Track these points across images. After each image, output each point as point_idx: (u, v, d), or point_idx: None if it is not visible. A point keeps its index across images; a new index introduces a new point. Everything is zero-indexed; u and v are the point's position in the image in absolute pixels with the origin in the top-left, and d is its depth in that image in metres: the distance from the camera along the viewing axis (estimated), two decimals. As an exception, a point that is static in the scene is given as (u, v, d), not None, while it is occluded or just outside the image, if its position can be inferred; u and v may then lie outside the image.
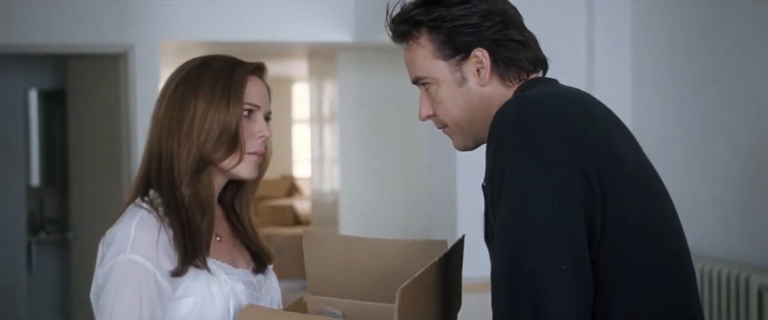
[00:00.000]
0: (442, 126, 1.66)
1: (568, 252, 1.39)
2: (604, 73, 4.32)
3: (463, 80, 1.59)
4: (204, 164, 1.65)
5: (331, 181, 7.59)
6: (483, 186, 1.51)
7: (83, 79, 5.92)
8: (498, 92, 1.59)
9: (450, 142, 1.68)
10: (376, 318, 1.69)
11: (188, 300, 1.62)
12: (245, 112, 1.67)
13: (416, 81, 1.64)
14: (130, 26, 5.46)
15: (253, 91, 1.69)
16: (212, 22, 5.60)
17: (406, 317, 1.40)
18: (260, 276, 1.77)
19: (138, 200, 1.65)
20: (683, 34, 4.02)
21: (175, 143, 1.65)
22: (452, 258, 1.66)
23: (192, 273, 1.62)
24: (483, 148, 1.55)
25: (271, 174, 10.25)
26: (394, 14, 1.64)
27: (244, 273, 1.73)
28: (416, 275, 1.43)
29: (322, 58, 7.64)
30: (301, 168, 11.07)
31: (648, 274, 1.46)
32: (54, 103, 6.93)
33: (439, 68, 1.60)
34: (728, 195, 3.73)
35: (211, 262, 1.65)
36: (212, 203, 1.68)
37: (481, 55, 1.58)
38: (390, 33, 1.65)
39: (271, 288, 1.80)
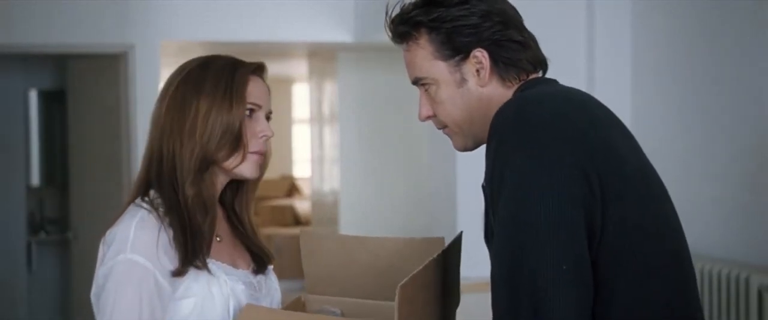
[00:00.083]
0: (442, 126, 1.66)
1: (568, 252, 1.39)
2: (604, 73, 4.32)
3: (462, 81, 1.59)
4: (207, 164, 1.66)
5: (331, 181, 7.59)
6: (483, 187, 1.51)
7: (83, 79, 5.92)
8: (498, 93, 1.59)
9: (450, 142, 1.68)
10: (375, 315, 1.69)
11: (188, 300, 1.62)
12: (247, 112, 1.68)
13: (416, 81, 1.64)
14: (130, 26, 5.46)
15: (254, 90, 1.70)
16: (212, 22, 5.60)
17: (406, 314, 1.40)
18: (260, 277, 1.77)
19: (138, 200, 1.66)
20: (683, 34, 4.02)
21: (178, 143, 1.65)
22: (450, 254, 1.66)
23: (192, 273, 1.62)
24: (483, 148, 1.55)
25: (271, 174, 10.25)
26: (393, 15, 1.64)
27: (244, 273, 1.73)
28: (415, 272, 1.43)
29: (322, 58, 7.64)
30: (301, 168, 11.07)
31: (648, 274, 1.46)
32: (54, 103, 6.93)
33: (438, 69, 1.60)
34: (728, 195, 3.73)
35: (211, 263, 1.65)
36: (215, 203, 1.69)
37: (480, 55, 1.58)
38: (389, 34, 1.65)
39: (271, 288, 1.80)
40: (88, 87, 5.87)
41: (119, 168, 5.58)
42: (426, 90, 1.63)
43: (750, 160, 3.61)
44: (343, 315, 1.73)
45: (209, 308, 1.63)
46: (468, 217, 4.14)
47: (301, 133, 11.02)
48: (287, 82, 11.13)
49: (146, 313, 1.58)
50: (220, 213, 1.75)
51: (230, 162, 1.67)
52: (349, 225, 7.04)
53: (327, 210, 7.74)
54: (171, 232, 1.61)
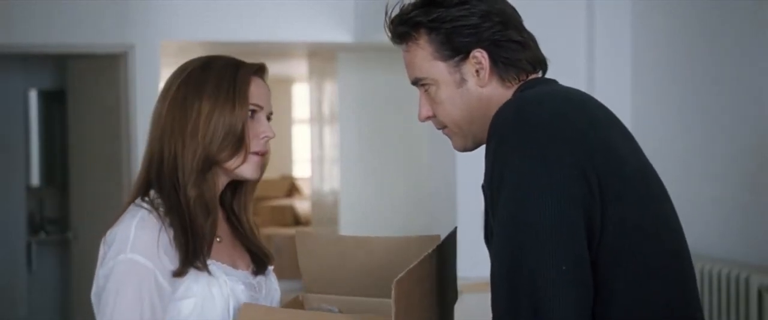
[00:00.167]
0: (442, 127, 1.66)
1: (568, 253, 1.39)
2: (604, 73, 4.32)
3: (462, 81, 1.59)
4: (209, 164, 1.66)
5: (331, 181, 7.59)
6: (483, 187, 1.51)
7: (83, 79, 5.92)
8: (497, 93, 1.59)
9: (450, 142, 1.68)
10: (373, 312, 1.69)
11: (188, 301, 1.62)
12: (249, 113, 1.68)
13: (416, 82, 1.64)
14: (130, 26, 5.46)
15: (256, 91, 1.70)
16: (212, 22, 5.60)
17: (404, 308, 1.40)
18: (260, 278, 1.78)
19: (138, 200, 1.66)
20: (683, 34, 4.02)
21: (179, 144, 1.65)
22: (445, 250, 1.66)
23: (192, 274, 1.62)
24: (483, 148, 1.55)
25: (271, 174, 10.26)
26: (393, 15, 1.64)
27: (244, 274, 1.73)
28: (410, 267, 1.44)
29: (322, 58, 7.64)
30: (301, 169, 11.07)
31: (648, 274, 1.46)
32: (54, 103, 6.93)
33: (438, 69, 1.60)
34: (728, 195, 3.73)
35: (210, 263, 1.65)
36: (216, 204, 1.69)
37: (480, 55, 1.58)
38: (389, 34, 1.65)
39: (271, 289, 1.80)
40: (88, 87, 5.87)
41: (119, 168, 5.58)
42: (426, 90, 1.63)
43: (750, 160, 3.61)
44: (340, 312, 1.74)
45: (209, 308, 1.63)
46: (468, 217, 4.14)
47: (301, 133, 11.02)
48: (287, 82, 11.13)
49: (147, 313, 1.58)
50: (220, 213, 1.75)
51: (232, 163, 1.67)
52: (349, 225, 7.04)
53: (327, 210, 7.74)
54: (171, 232, 1.62)
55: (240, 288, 1.68)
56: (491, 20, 1.58)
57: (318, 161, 8.04)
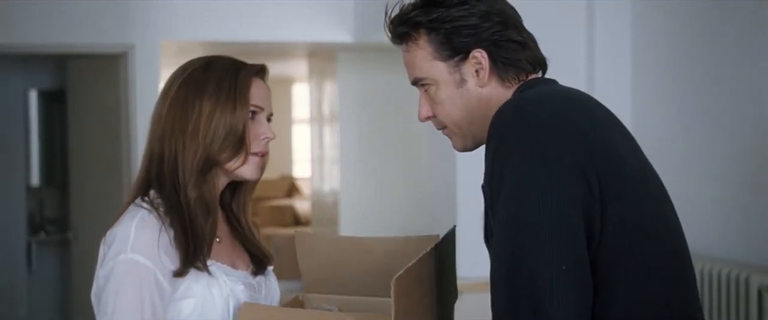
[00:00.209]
0: (442, 127, 1.66)
1: (568, 253, 1.39)
2: (604, 73, 4.32)
3: (462, 81, 1.59)
4: (210, 165, 1.66)
5: (331, 181, 7.59)
6: (482, 187, 1.51)
7: (83, 79, 5.92)
8: (497, 93, 1.59)
9: (450, 142, 1.68)
10: (372, 311, 1.69)
11: (189, 301, 1.62)
12: (250, 114, 1.68)
13: (415, 82, 1.64)
14: (130, 26, 5.47)
15: (257, 92, 1.70)
16: (212, 22, 5.60)
17: (403, 306, 1.40)
18: (260, 278, 1.78)
19: (138, 200, 1.66)
20: (683, 34, 4.02)
21: (180, 144, 1.65)
22: (444, 248, 1.67)
23: (192, 274, 1.62)
24: (483, 148, 1.56)
25: (271, 174, 10.25)
26: (392, 15, 1.64)
27: (244, 274, 1.73)
28: (409, 265, 1.44)
29: (322, 58, 7.64)
30: (301, 168, 11.07)
31: (647, 275, 1.46)
32: (54, 103, 6.93)
33: (438, 69, 1.60)
34: (728, 195, 3.73)
35: (210, 264, 1.65)
36: (216, 205, 1.69)
37: (479, 55, 1.58)
38: (389, 34, 1.65)
39: (270, 289, 1.80)
40: (88, 87, 5.87)
41: (119, 168, 5.58)
42: (425, 90, 1.63)
43: (750, 160, 3.61)
44: (340, 311, 1.74)
45: (209, 309, 1.63)
46: (468, 217, 4.14)
47: (301, 133, 11.02)
48: (287, 82, 11.13)
49: (148, 313, 1.58)
50: (219, 214, 1.75)
51: (232, 164, 1.67)
52: (349, 225, 7.04)
53: (327, 210, 7.74)
54: (172, 232, 1.61)
55: (240, 288, 1.68)
56: (491, 20, 1.58)
57: (318, 161, 8.04)
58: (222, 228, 1.75)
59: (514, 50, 1.59)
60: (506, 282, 1.41)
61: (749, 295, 3.41)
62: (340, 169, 7.29)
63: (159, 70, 5.54)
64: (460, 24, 1.57)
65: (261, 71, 1.74)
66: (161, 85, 1.74)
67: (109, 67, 5.66)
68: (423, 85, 1.63)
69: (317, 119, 8.04)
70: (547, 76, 1.66)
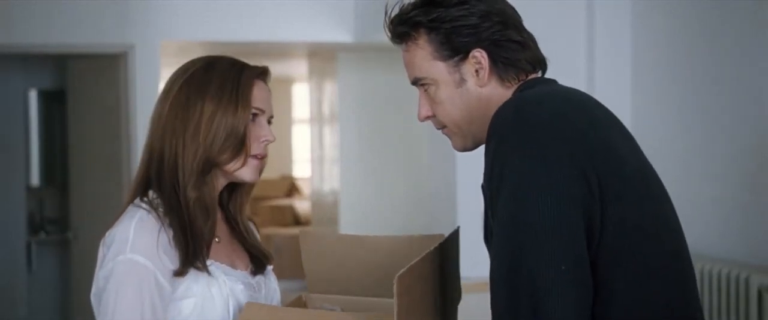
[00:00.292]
0: (441, 127, 1.66)
1: (568, 253, 1.39)
2: (604, 73, 4.32)
3: (461, 81, 1.59)
4: (209, 166, 1.66)
5: (331, 181, 7.59)
6: (482, 187, 1.51)
7: (83, 79, 5.92)
8: (497, 93, 1.59)
9: (450, 142, 1.68)
10: (375, 311, 1.69)
11: (188, 301, 1.62)
12: (251, 116, 1.68)
13: (415, 82, 1.64)
14: (130, 26, 5.46)
15: (259, 95, 1.70)
16: (212, 22, 5.60)
17: (406, 304, 1.40)
18: (260, 277, 1.78)
19: (137, 200, 1.66)
20: (683, 34, 4.02)
21: (180, 144, 1.65)
22: (448, 248, 1.66)
23: (192, 274, 1.62)
24: (483, 148, 1.55)
25: (271, 174, 10.25)
26: (392, 15, 1.64)
27: (243, 274, 1.73)
28: (412, 263, 1.44)
29: (322, 58, 7.64)
30: (301, 168, 11.07)
31: (647, 275, 1.46)
32: (54, 103, 6.93)
33: (437, 69, 1.60)
34: (728, 195, 3.73)
35: (210, 264, 1.65)
36: (215, 205, 1.69)
37: (479, 55, 1.58)
38: (388, 34, 1.65)
39: (270, 288, 1.80)
40: (88, 87, 5.87)
41: (119, 168, 5.58)
42: (425, 90, 1.63)
43: (750, 160, 3.61)
44: (343, 311, 1.74)
45: (209, 308, 1.63)
46: (468, 217, 4.14)
47: (301, 133, 11.02)
48: (287, 82, 11.13)
49: (148, 313, 1.58)
50: (219, 214, 1.75)
51: (231, 166, 1.67)
52: (349, 225, 7.04)
53: (327, 210, 7.74)
54: (171, 232, 1.61)
55: (239, 287, 1.68)
56: (491, 20, 1.58)
57: (318, 161, 8.04)
58: (221, 228, 1.75)
59: (514, 50, 1.59)
60: (506, 282, 1.41)
61: (749, 295, 3.41)
62: (340, 169, 7.29)
63: (159, 70, 5.54)
64: (459, 24, 1.57)
65: (263, 73, 1.74)
66: (161, 85, 1.73)
67: (109, 67, 5.66)
68: (423, 84, 1.63)
69: (317, 119, 8.04)
70: (547, 76, 1.66)
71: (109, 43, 5.50)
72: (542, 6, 4.19)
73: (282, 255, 7.85)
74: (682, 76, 4.03)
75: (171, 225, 1.62)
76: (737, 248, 3.67)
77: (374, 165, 7.19)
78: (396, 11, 1.65)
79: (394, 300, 1.36)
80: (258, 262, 1.78)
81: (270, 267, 1.82)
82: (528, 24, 1.65)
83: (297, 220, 9.84)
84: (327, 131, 7.68)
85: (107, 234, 1.64)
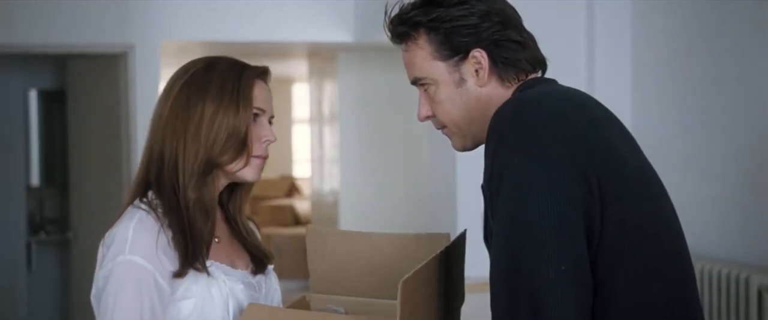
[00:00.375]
0: (441, 126, 1.66)
1: (568, 253, 1.39)
2: (604, 73, 4.32)
3: (461, 81, 1.59)
4: (211, 166, 1.66)
5: (331, 181, 7.59)
6: (482, 187, 1.51)
7: (83, 79, 5.92)
8: (497, 93, 1.59)
9: (450, 142, 1.68)
10: (379, 314, 1.69)
11: (188, 301, 1.62)
12: (252, 116, 1.68)
13: (415, 82, 1.64)
14: (130, 26, 5.47)
15: (259, 95, 1.70)
16: (212, 22, 5.60)
17: (409, 309, 1.40)
18: (260, 277, 1.77)
19: (136, 201, 1.65)
20: (683, 34, 4.02)
21: (181, 145, 1.65)
22: (453, 252, 1.66)
23: (192, 275, 1.62)
24: (483, 148, 1.55)
25: (271, 174, 10.25)
26: (392, 15, 1.64)
27: (243, 274, 1.73)
28: (417, 268, 1.44)
29: (322, 58, 7.65)
30: (301, 168, 11.07)
31: (647, 275, 1.46)
32: (54, 103, 6.93)
33: (437, 69, 1.60)
34: (728, 195, 3.73)
35: (209, 264, 1.65)
36: (215, 207, 1.69)
37: (479, 55, 1.58)
38: (388, 34, 1.65)
39: (271, 288, 1.80)
40: (88, 87, 5.87)
41: (119, 169, 5.58)
42: (425, 90, 1.63)
43: (750, 160, 3.61)
44: (346, 313, 1.73)
45: (209, 309, 1.63)
46: (468, 217, 4.14)
47: (301, 133, 11.02)
48: (287, 82, 11.13)
49: (147, 314, 1.58)
50: (218, 214, 1.75)
51: (233, 166, 1.67)
52: (349, 226, 7.04)
53: (327, 210, 7.74)
54: (170, 233, 1.61)
55: (239, 287, 1.68)
56: (491, 20, 1.57)
57: (318, 161, 8.04)
58: (221, 228, 1.75)
59: (514, 50, 1.59)
60: (506, 282, 1.40)
61: (749, 295, 3.41)
62: (340, 169, 7.29)
63: (159, 70, 5.54)
64: (459, 24, 1.57)
65: (263, 73, 1.74)
66: (161, 85, 1.74)
67: (109, 67, 5.66)
68: (422, 84, 1.63)
69: (317, 119, 8.04)
70: (547, 76, 1.66)
71: (109, 43, 5.50)
72: (542, 6, 4.19)
73: (282, 255, 7.86)
74: (682, 76, 4.03)
75: (170, 225, 1.62)
76: (737, 248, 3.67)
77: (374, 165, 7.19)
78: (396, 11, 1.64)
79: (398, 306, 1.36)
80: (259, 262, 1.78)
81: (271, 267, 1.82)
82: (528, 24, 1.65)
83: (297, 220, 9.84)
84: (327, 131, 7.68)
85: (107, 234, 1.63)
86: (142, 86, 5.46)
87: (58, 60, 6.53)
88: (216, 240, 1.70)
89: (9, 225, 6.92)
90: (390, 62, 6.41)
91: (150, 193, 1.66)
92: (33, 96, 7.06)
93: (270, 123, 1.73)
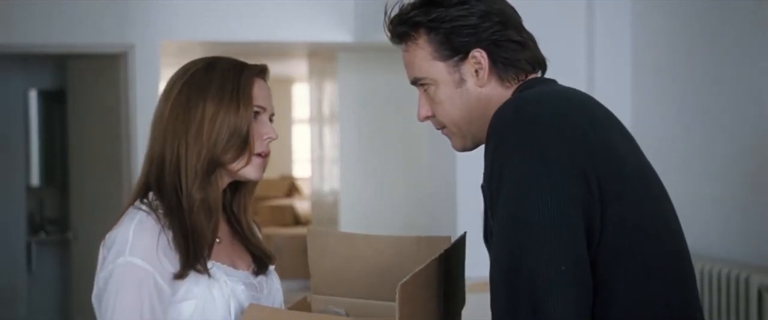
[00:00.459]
0: (441, 127, 1.66)
1: (568, 253, 1.39)
2: (604, 73, 4.32)
3: (461, 81, 1.59)
4: (214, 166, 1.66)
5: (331, 181, 7.59)
6: (482, 187, 1.51)
7: (83, 79, 5.92)
8: (496, 93, 1.59)
9: (449, 142, 1.68)
10: (380, 316, 1.69)
11: (189, 302, 1.62)
12: (253, 114, 1.68)
13: (415, 82, 1.64)
14: (130, 26, 5.47)
15: (259, 93, 1.70)
16: (212, 22, 5.60)
17: (408, 313, 1.40)
18: (261, 277, 1.77)
19: (137, 202, 1.65)
20: (683, 34, 4.02)
21: (183, 146, 1.65)
22: (453, 254, 1.66)
23: (192, 276, 1.62)
24: (483, 148, 1.55)
25: (271, 174, 10.24)
26: (392, 15, 1.64)
27: (244, 274, 1.73)
28: (416, 271, 1.44)
29: (322, 58, 7.65)
30: (301, 168, 11.08)
31: (647, 275, 1.46)
32: (54, 103, 6.93)
33: (437, 69, 1.60)
34: (728, 195, 3.73)
35: (210, 264, 1.65)
36: (219, 206, 1.69)
37: (479, 55, 1.58)
38: (388, 34, 1.65)
39: (272, 288, 1.80)
40: (88, 87, 5.87)
41: (119, 169, 5.59)
42: (425, 90, 1.63)
43: (750, 160, 3.61)
44: (347, 315, 1.73)
45: (210, 310, 1.63)
46: (468, 217, 4.14)
47: (301, 133, 11.02)
48: (287, 82, 11.13)
49: (147, 315, 1.58)
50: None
51: (236, 165, 1.67)
52: (349, 225, 7.04)
53: (327, 210, 7.74)
54: (171, 234, 1.61)
55: (240, 288, 1.68)
56: (490, 20, 1.57)
57: (318, 161, 8.04)
58: (222, 229, 1.75)
59: (514, 50, 1.59)
60: (506, 282, 1.40)
61: (749, 295, 3.41)
62: (340, 169, 7.29)
63: (159, 70, 5.54)
64: (459, 24, 1.57)
65: (263, 72, 1.74)
66: (161, 85, 1.74)
67: (109, 67, 5.66)
68: (422, 84, 1.63)
69: (317, 119, 8.04)
70: (547, 76, 1.66)
71: (109, 43, 5.50)
72: (542, 6, 4.19)
73: (282, 255, 7.86)
74: (682, 76, 4.04)
75: (171, 227, 1.61)
76: (737, 248, 3.67)
77: (374, 165, 7.19)
78: (396, 11, 1.64)
79: (396, 309, 1.36)
80: (260, 262, 1.78)
81: (272, 267, 1.82)
82: (528, 24, 1.65)
83: (297, 220, 9.84)
84: (327, 131, 7.68)
85: (107, 236, 1.63)
86: (142, 86, 5.46)
87: (58, 60, 6.53)
88: (217, 240, 1.70)
89: (9, 225, 6.92)
90: (390, 62, 6.41)
91: (151, 194, 1.66)
92: (33, 96, 7.06)
93: (271, 121, 1.73)
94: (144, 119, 4.98)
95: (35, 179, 7.14)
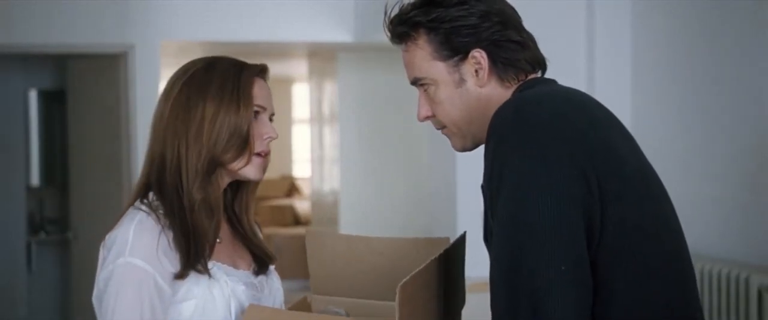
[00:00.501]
0: (441, 127, 1.66)
1: (568, 253, 1.39)
2: (604, 73, 4.32)
3: (461, 81, 1.59)
4: (214, 166, 1.66)
5: (331, 181, 7.59)
6: (482, 187, 1.51)
7: (83, 79, 5.92)
8: (496, 93, 1.59)
9: (449, 142, 1.68)
10: (380, 316, 1.69)
11: (189, 303, 1.62)
12: (253, 114, 1.68)
13: (415, 82, 1.64)
14: (130, 26, 5.47)
15: (259, 92, 1.70)
16: (212, 22, 5.61)
17: (407, 313, 1.40)
18: (262, 277, 1.77)
19: (137, 203, 1.65)
20: (683, 34, 4.02)
21: (183, 146, 1.65)
22: (453, 254, 1.66)
23: (193, 276, 1.62)
24: (483, 148, 1.55)
25: (271, 174, 10.25)
26: (392, 15, 1.64)
27: (245, 274, 1.73)
28: (415, 271, 1.44)
29: (322, 58, 7.65)
30: (301, 168, 11.08)
31: (647, 275, 1.46)
32: (54, 103, 6.93)
33: (437, 69, 1.60)
34: (728, 195, 3.73)
35: (211, 264, 1.65)
36: (220, 206, 1.69)
37: (479, 55, 1.58)
38: (388, 34, 1.65)
39: (273, 288, 1.80)
40: (88, 87, 5.87)
41: (119, 169, 5.59)
42: (425, 90, 1.63)
43: (750, 160, 3.61)
44: (347, 315, 1.73)
45: (210, 310, 1.63)
46: (468, 217, 4.14)
47: (301, 133, 11.02)
48: (287, 82, 11.13)
49: (148, 315, 1.58)
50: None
51: (236, 164, 1.67)
52: (349, 225, 7.04)
53: (327, 210, 7.74)
54: (171, 234, 1.61)
55: (241, 288, 1.68)
56: (490, 20, 1.57)
57: (318, 161, 8.04)
58: (223, 228, 1.75)
59: (514, 50, 1.59)
60: (506, 282, 1.41)
61: (749, 295, 3.41)
62: (340, 169, 7.29)
63: (159, 70, 5.54)
64: (459, 24, 1.57)
65: (262, 71, 1.74)
66: (161, 85, 1.74)
67: (109, 67, 5.66)
68: (422, 84, 1.63)
69: (317, 119, 8.04)
70: (547, 76, 1.66)
71: (109, 43, 5.50)
72: (542, 6, 4.19)
73: (282, 255, 7.83)
74: (682, 76, 4.04)
75: (171, 227, 1.62)
76: (737, 248, 3.67)
77: (374, 165, 7.19)
78: (396, 11, 1.65)
79: (396, 309, 1.36)
80: (261, 262, 1.78)
81: (273, 267, 1.82)
82: (528, 24, 1.65)
83: (297, 220, 9.84)
84: (327, 131, 7.68)
85: (107, 236, 1.63)
86: (142, 86, 5.47)
87: (58, 60, 6.53)
88: (217, 240, 1.70)
89: (9, 225, 6.92)
90: (390, 62, 6.41)
91: (151, 194, 1.66)
92: (33, 96, 7.06)
93: (271, 120, 1.73)
94: (144, 119, 4.99)
95: (35, 179, 7.14)
